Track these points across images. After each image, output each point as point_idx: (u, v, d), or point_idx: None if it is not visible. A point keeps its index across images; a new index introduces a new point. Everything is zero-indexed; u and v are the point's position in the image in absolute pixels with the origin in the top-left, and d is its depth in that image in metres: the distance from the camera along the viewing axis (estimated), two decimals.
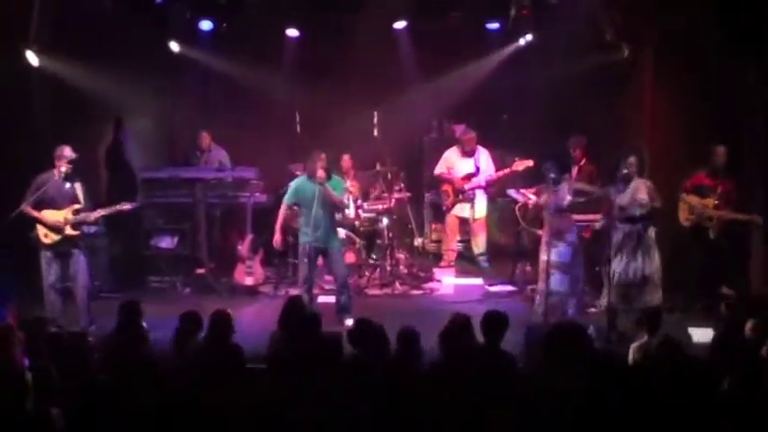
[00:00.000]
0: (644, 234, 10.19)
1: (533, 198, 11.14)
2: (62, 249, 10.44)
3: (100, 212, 10.58)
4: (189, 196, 13.16)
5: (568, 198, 10.60)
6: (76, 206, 10.43)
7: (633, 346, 8.01)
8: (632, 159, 10.25)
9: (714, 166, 11.22)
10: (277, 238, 11.19)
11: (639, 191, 10.20)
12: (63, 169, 10.35)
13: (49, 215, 10.34)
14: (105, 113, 13.65)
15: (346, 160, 13.64)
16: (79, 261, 10.50)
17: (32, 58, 11.97)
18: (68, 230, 10.36)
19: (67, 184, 10.44)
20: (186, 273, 13.11)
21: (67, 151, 10.38)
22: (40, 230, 10.36)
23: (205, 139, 13.97)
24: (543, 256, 10.58)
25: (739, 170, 11.36)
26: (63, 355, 6.91)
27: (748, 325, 7.53)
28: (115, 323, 8.09)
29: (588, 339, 7.53)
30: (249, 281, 12.69)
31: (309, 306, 9.81)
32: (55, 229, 10.33)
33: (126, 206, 10.80)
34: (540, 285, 10.67)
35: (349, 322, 10.49)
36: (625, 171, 10.19)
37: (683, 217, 11.33)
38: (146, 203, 12.91)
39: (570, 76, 13.24)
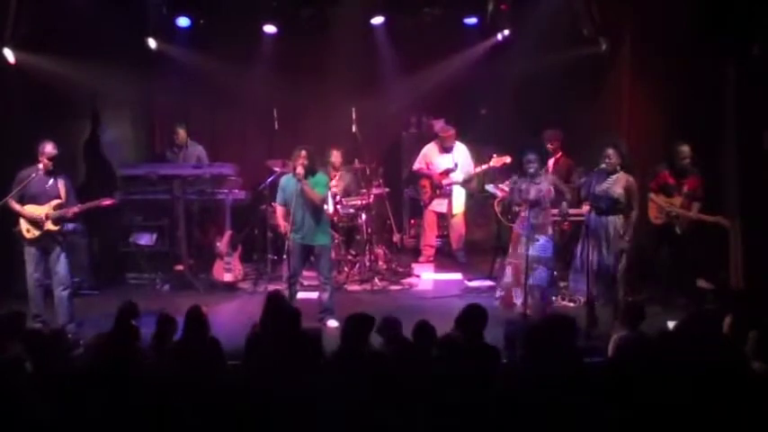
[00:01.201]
0: (608, 228, 10.17)
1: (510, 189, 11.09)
2: (43, 245, 10.41)
3: (79, 207, 10.51)
4: (167, 193, 13.10)
5: (552, 189, 10.56)
6: (57, 201, 10.39)
7: (613, 339, 8.02)
8: (609, 151, 10.11)
9: (677, 165, 11.16)
10: (284, 228, 10.96)
11: (617, 185, 10.11)
12: (45, 165, 10.33)
13: (31, 210, 10.32)
14: (83, 109, 13.58)
15: (336, 156, 13.61)
16: (60, 258, 10.45)
17: (9, 54, 11.91)
18: (49, 226, 10.33)
19: (50, 181, 10.40)
20: (165, 269, 13.05)
21: (49, 148, 10.33)
22: (23, 225, 10.34)
23: (181, 134, 13.88)
24: (522, 251, 10.52)
25: (717, 167, 11.39)
26: (40, 351, 6.89)
27: (726, 320, 7.51)
28: (113, 323, 8.09)
29: (576, 333, 7.57)
30: (228, 277, 12.69)
31: (289, 303, 9.74)
32: (36, 224, 10.31)
33: (105, 201, 10.75)
34: (511, 280, 10.67)
35: (331, 323, 10.49)
36: (603, 165, 10.14)
37: (653, 216, 11.32)
38: (124, 200, 12.88)
39: (548, 71, 13.29)
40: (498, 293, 10.98)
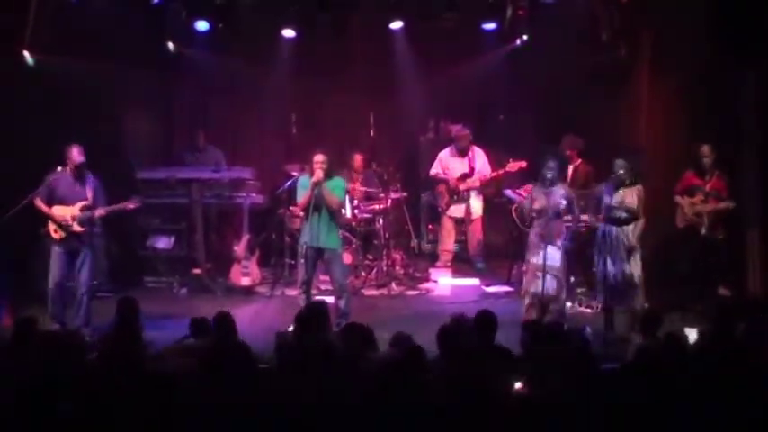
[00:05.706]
0: (625, 237, 10.13)
1: (526, 196, 11.04)
2: (70, 246, 10.46)
3: (105, 210, 10.56)
4: (185, 196, 13.16)
5: (563, 202, 10.50)
6: (84, 203, 10.44)
7: (630, 347, 7.99)
8: (619, 162, 10.10)
9: (701, 166, 11.22)
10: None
11: (631, 195, 10.08)
12: (71, 170, 10.41)
13: (58, 211, 10.39)
14: (102, 113, 13.59)
15: (358, 160, 13.61)
16: (86, 260, 10.52)
17: (29, 58, 11.96)
18: (75, 227, 10.39)
19: (78, 182, 10.46)
20: (182, 273, 13.10)
21: (75, 153, 10.42)
22: (51, 226, 10.41)
23: (201, 138, 14.01)
24: (534, 259, 10.51)
25: (739, 170, 11.35)
26: (57, 353, 6.89)
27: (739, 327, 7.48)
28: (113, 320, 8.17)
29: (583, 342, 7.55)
30: (245, 281, 12.70)
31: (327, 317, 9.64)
32: (62, 225, 10.36)
33: (130, 205, 10.80)
34: (530, 287, 10.62)
35: None
36: (621, 172, 10.10)
37: (679, 219, 11.32)
38: (143, 203, 12.92)
39: (567, 77, 13.28)
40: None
